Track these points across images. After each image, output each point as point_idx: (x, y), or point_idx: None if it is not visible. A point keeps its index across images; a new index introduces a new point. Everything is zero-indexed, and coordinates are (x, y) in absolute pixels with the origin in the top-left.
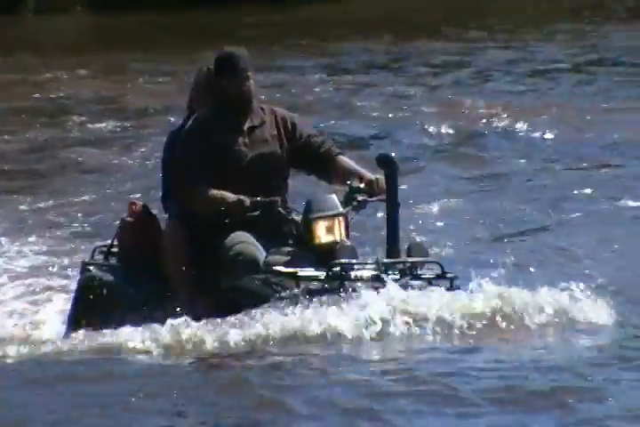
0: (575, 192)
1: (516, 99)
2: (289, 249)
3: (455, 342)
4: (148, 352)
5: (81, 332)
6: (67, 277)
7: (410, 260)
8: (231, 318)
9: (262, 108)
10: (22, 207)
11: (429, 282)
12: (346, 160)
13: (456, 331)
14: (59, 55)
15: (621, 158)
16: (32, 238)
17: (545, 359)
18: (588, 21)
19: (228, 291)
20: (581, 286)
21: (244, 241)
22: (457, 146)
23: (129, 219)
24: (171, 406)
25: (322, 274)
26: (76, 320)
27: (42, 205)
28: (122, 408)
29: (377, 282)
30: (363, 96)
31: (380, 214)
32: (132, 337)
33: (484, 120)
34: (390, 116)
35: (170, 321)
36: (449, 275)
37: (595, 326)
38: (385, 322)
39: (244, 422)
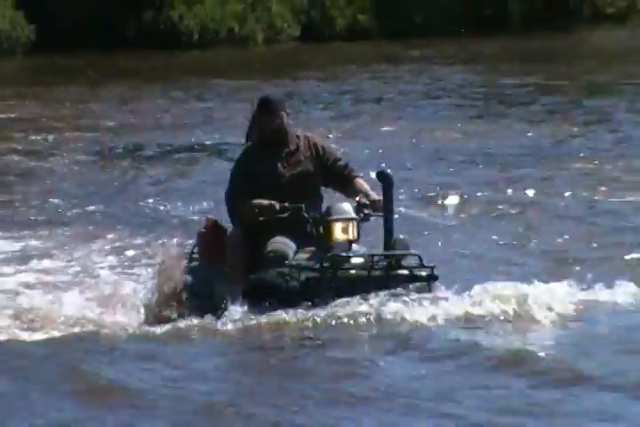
0: None
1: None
2: (313, 249)
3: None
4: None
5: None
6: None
7: (393, 253)
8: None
9: (297, 136)
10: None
11: (410, 271)
12: (361, 182)
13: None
14: None
15: None
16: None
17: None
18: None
19: (252, 280)
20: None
21: (279, 242)
22: None
23: (203, 230)
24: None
25: (316, 265)
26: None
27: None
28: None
29: (364, 271)
30: None
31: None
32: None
33: None
34: None
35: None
36: (429, 264)
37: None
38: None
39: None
